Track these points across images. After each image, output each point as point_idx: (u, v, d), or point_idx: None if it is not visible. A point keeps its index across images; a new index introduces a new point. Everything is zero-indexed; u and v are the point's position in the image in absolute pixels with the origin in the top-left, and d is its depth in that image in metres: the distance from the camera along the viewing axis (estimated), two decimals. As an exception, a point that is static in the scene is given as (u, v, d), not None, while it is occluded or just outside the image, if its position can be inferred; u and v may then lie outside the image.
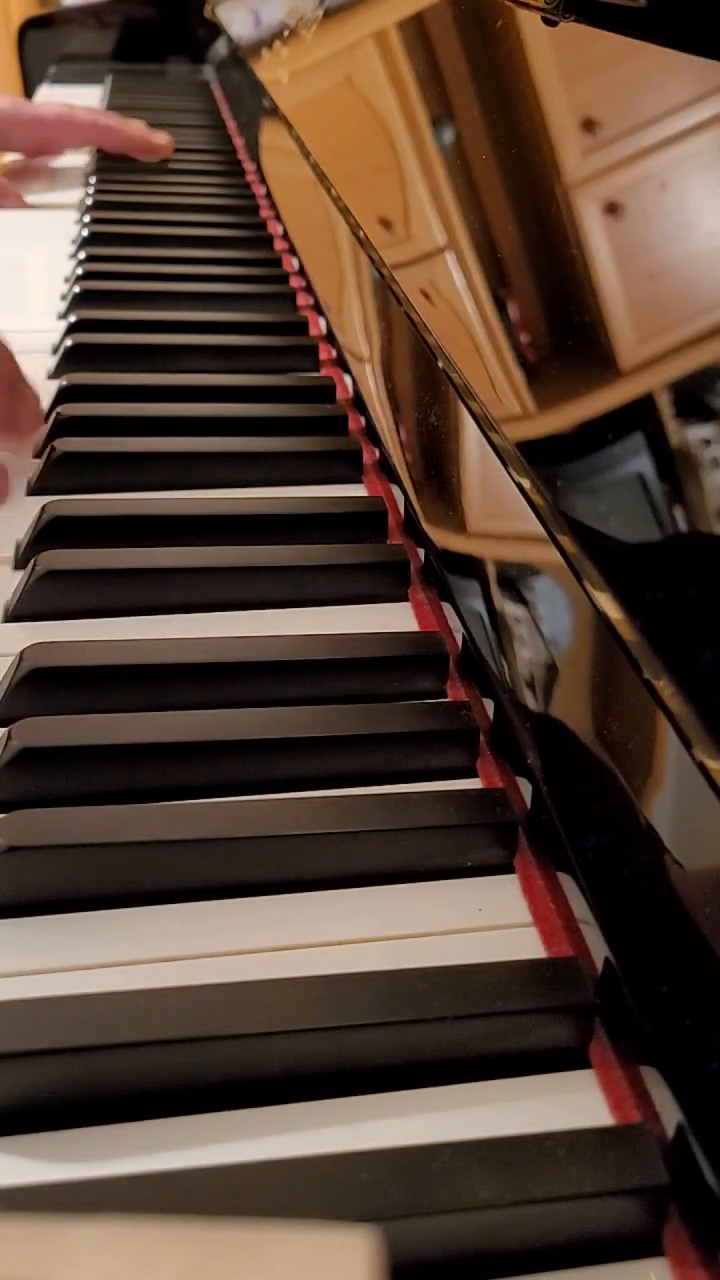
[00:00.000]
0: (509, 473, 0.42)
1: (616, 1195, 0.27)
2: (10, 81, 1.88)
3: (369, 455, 0.60)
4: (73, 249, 0.90)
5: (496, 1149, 0.28)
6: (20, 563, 0.52)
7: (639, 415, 0.35)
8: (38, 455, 0.60)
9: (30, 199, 1.07)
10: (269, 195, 1.02)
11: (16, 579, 0.49)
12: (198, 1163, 0.28)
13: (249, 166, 1.15)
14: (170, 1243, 0.18)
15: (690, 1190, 0.27)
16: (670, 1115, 0.28)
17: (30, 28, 1.81)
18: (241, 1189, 0.27)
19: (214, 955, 0.34)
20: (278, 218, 0.96)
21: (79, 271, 0.83)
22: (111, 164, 1.13)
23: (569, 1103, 0.30)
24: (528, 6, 0.53)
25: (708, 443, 0.32)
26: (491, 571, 0.44)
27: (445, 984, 0.31)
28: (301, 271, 0.84)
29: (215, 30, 1.63)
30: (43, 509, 0.52)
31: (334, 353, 0.73)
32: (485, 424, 0.45)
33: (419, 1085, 0.30)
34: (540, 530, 0.39)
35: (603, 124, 0.45)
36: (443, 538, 0.48)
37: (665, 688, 0.31)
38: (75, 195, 1.07)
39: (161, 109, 1.42)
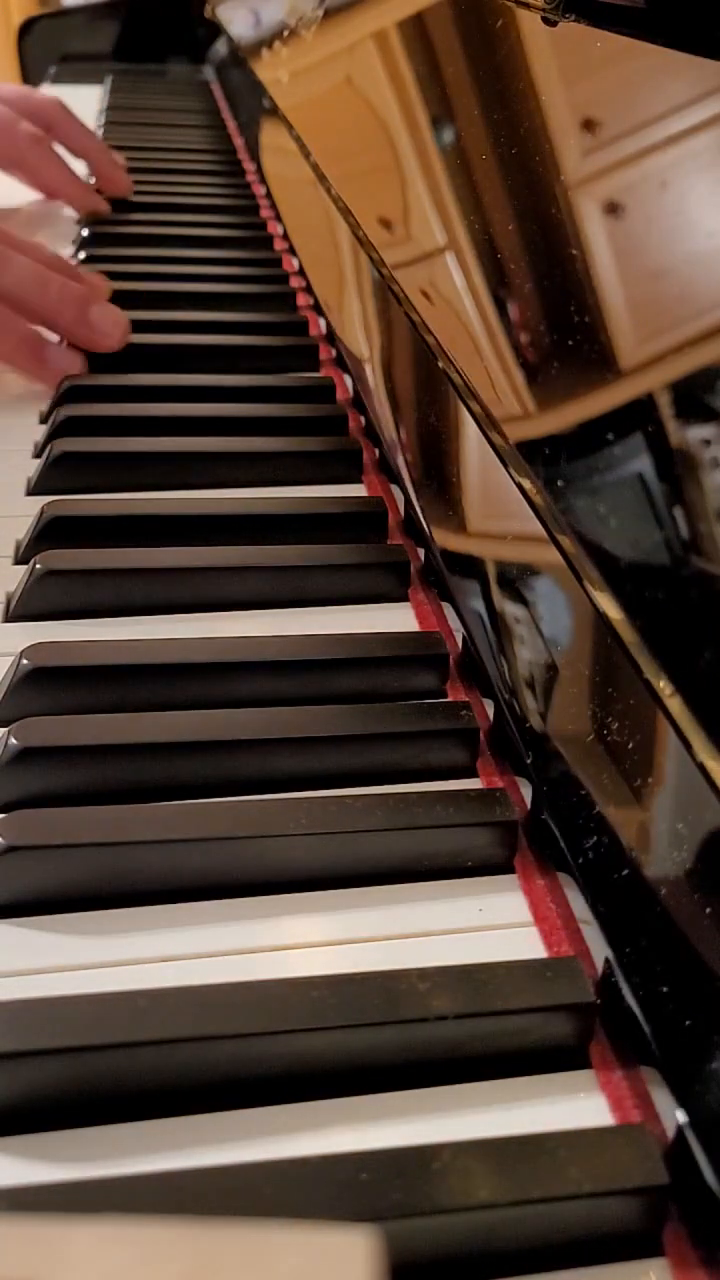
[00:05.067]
0: (509, 473, 0.42)
1: (616, 1195, 0.27)
2: (10, 82, 1.88)
3: (369, 455, 0.60)
4: (73, 249, 0.90)
5: (496, 1149, 0.28)
6: (20, 562, 0.52)
7: (639, 415, 0.35)
8: (38, 456, 0.61)
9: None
10: (269, 195, 1.02)
11: (16, 578, 0.49)
12: (198, 1163, 0.28)
13: (249, 166, 1.15)
14: (170, 1243, 0.18)
15: (690, 1190, 0.27)
16: (670, 1115, 0.28)
17: (30, 28, 1.81)
18: (241, 1189, 0.27)
19: (214, 955, 0.34)
20: (278, 218, 0.96)
21: (79, 271, 0.83)
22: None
23: (569, 1103, 0.30)
24: (527, 6, 0.53)
25: (708, 443, 0.32)
26: (491, 571, 0.44)
27: (445, 984, 0.31)
28: (301, 271, 0.84)
29: (215, 30, 1.63)
30: (43, 509, 0.52)
31: (334, 353, 0.73)
32: (485, 424, 0.45)
33: (419, 1085, 0.30)
34: (540, 530, 0.39)
35: (603, 124, 0.45)
36: (443, 538, 0.48)
37: (665, 688, 0.31)
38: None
39: (161, 109, 1.42)
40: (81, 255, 0.86)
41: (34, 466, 0.59)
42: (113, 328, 0.68)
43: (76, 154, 1.02)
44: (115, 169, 1.01)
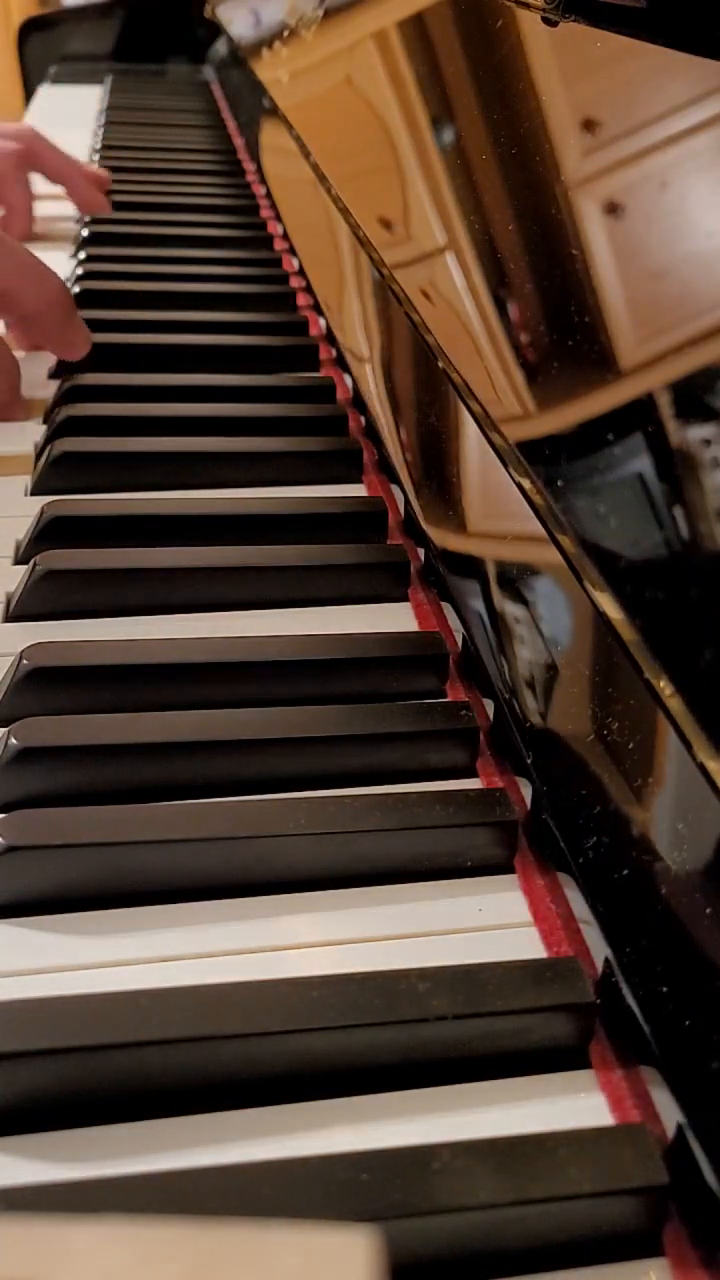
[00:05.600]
0: (509, 473, 0.42)
1: (616, 1195, 0.27)
2: (10, 81, 1.88)
3: (369, 455, 0.60)
4: (73, 249, 0.90)
5: (496, 1149, 0.28)
6: (20, 562, 0.52)
7: (639, 415, 0.35)
8: (38, 456, 0.61)
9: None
10: (269, 195, 1.02)
11: (16, 578, 0.49)
12: (198, 1163, 0.28)
13: (249, 166, 1.15)
14: (170, 1243, 0.18)
15: (690, 1190, 0.27)
16: (670, 1115, 0.28)
17: (30, 28, 1.81)
18: (241, 1189, 0.27)
19: (214, 955, 0.34)
20: (278, 218, 0.96)
21: (79, 271, 0.83)
22: (111, 164, 1.13)
23: (569, 1103, 0.30)
24: (527, 6, 0.53)
25: (708, 443, 0.32)
26: (491, 571, 0.44)
27: (446, 984, 0.31)
28: (301, 271, 0.84)
29: (215, 30, 1.63)
30: (43, 509, 0.52)
31: (334, 353, 0.73)
32: (485, 424, 0.45)
33: (419, 1085, 0.30)
34: (540, 530, 0.39)
35: (603, 124, 0.45)
36: (443, 538, 0.48)
37: (665, 688, 0.31)
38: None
39: (161, 109, 1.42)
40: (82, 255, 0.86)
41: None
42: (84, 340, 0.69)
43: (55, 180, 1.02)
44: (91, 193, 1.01)
